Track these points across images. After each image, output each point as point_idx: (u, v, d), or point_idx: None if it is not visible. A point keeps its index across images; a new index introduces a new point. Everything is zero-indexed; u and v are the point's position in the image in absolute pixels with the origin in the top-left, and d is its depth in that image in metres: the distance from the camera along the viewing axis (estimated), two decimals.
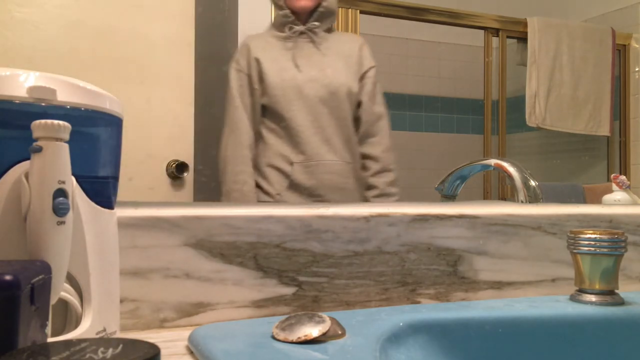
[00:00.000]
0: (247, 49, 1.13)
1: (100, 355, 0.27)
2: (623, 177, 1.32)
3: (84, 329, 0.41)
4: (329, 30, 1.20)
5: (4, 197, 0.38)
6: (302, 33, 1.16)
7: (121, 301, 0.54)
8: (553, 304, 0.64)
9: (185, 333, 0.53)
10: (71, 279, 0.41)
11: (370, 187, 1.17)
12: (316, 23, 1.17)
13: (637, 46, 1.91)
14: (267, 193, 1.08)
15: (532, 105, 1.76)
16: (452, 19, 1.60)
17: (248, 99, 1.11)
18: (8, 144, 0.40)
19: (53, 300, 0.38)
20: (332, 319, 0.51)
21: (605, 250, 0.63)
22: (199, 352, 0.48)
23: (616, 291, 0.65)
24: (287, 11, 1.16)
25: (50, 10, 0.96)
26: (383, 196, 1.16)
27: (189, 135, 1.03)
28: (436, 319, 0.57)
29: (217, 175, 1.08)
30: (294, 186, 1.07)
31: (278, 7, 1.17)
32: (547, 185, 1.47)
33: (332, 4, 1.19)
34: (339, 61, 1.19)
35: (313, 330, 0.48)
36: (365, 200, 1.13)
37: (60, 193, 0.38)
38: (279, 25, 1.16)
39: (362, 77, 1.19)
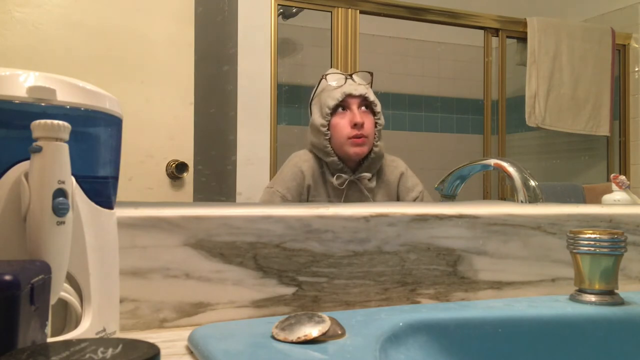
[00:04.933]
0: (302, 177, 1.12)
1: (100, 355, 0.27)
2: (623, 177, 1.32)
3: (83, 329, 0.41)
4: (377, 171, 1.18)
5: (3, 197, 0.38)
6: (351, 182, 1.14)
7: (121, 301, 0.54)
8: (553, 304, 0.64)
9: (185, 333, 0.53)
10: (71, 279, 0.41)
11: None
12: (366, 174, 1.15)
13: (637, 46, 1.91)
14: None
15: (532, 105, 1.76)
16: (452, 19, 1.60)
17: None
18: (8, 144, 0.40)
19: (53, 300, 0.38)
20: (332, 319, 0.51)
21: (605, 250, 0.63)
22: (198, 352, 0.48)
23: (616, 291, 0.65)
24: (335, 158, 1.14)
25: (50, 10, 0.96)
26: None
27: (188, 135, 1.03)
28: (436, 319, 0.57)
29: (216, 175, 1.08)
30: None
31: (325, 154, 1.14)
32: (547, 185, 1.47)
33: (381, 148, 1.17)
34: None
35: (313, 330, 0.48)
36: None
37: (60, 193, 0.38)
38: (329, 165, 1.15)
39: None
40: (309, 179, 1.12)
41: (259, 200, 1.09)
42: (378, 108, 1.17)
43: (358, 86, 1.17)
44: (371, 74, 1.21)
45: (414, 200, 1.18)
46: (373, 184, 1.16)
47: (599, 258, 0.63)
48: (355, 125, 1.13)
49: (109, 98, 0.44)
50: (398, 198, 1.18)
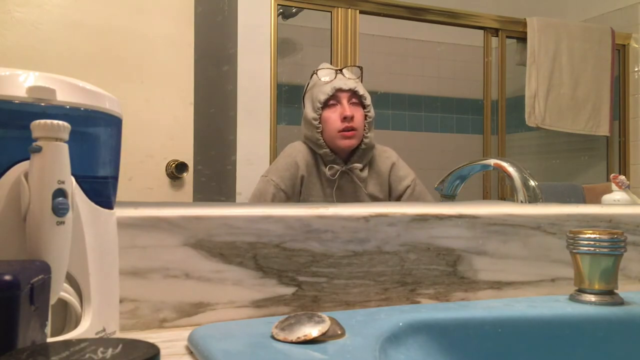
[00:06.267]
0: (296, 168, 1.15)
1: (100, 355, 0.27)
2: (622, 177, 1.32)
3: (83, 329, 0.41)
4: (368, 162, 1.21)
5: (3, 197, 0.38)
6: (343, 172, 1.17)
7: (121, 301, 0.54)
8: (552, 304, 0.64)
9: (185, 333, 0.53)
10: (71, 279, 0.41)
11: None
12: (357, 165, 1.18)
13: (637, 46, 1.91)
14: None
15: (532, 105, 1.76)
16: (451, 19, 1.60)
17: None
18: (7, 144, 0.40)
19: (52, 300, 0.38)
20: (332, 319, 0.51)
21: (604, 250, 0.63)
22: (198, 352, 0.48)
23: (616, 291, 0.65)
24: (327, 150, 1.18)
25: (50, 10, 0.97)
26: None
27: (188, 135, 1.04)
28: (436, 319, 0.57)
29: (216, 175, 1.09)
30: None
31: (318, 146, 1.18)
32: (546, 185, 1.47)
33: (372, 139, 1.21)
34: (374, 194, 1.21)
35: (313, 330, 0.48)
36: None
37: (60, 193, 0.38)
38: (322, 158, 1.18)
39: (399, 197, 1.21)
40: (303, 169, 1.15)
41: (254, 189, 1.11)
42: (368, 101, 1.21)
43: (348, 80, 1.20)
44: (361, 68, 1.25)
45: (407, 188, 1.20)
46: (365, 173, 1.20)
47: (599, 258, 0.63)
48: (345, 119, 1.17)
49: (109, 98, 0.44)
50: (390, 187, 1.21)
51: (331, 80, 1.20)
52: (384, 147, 1.25)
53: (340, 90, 1.18)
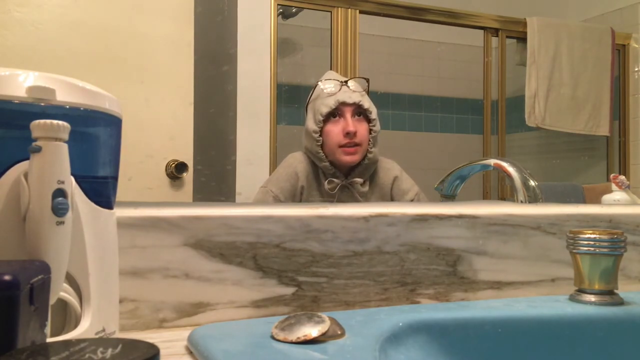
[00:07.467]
0: (296, 178, 1.12)
1: (100, 355, 0.27)
2: (622, 177, 1.32)
3: (83, 329, 0.41)
4: (370, 175, 1.18)
5: (3, 197, 0.38)
6: (343, 186, 1.14)
7: (120, 301, 0.54)
8: (552, 304, 0.64)
9: (185, 333, 0.53)
10: (70, 279, 0.41)
11: None
12: (358, 179, 1.14)
13: (637, 46, 1.91)
14: None
15: (532, 105, 1.76)
16: (451, 19, 1.60)
17: None
18: (7, 144, 0.40)
19: (52, 300, 0.38)
20: (332, 319, 0.51)
21: (604, 250, 0.63)
22: (198, 352, 0.48)
23: (616, 291, 0.65)
24: (327, 164, 1.14)
25: (50, 10, 0.97)
26: None
27: (188, 135, 1.04)
28: (435, 319, 0.57)
29: (215, 175, 1.08)
30: None
31: (318, 159, 1.14)
32: (546, 185, 1.47)
33: (376, 154, 1.17)
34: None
35: (312, 331, 0.48)
36: None
37: (60, 193, 0.38)
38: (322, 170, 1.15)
39: None
40: (303, 180, 1.13)
41: (252, 200, 1.09)
42: (373, 115, 1.16)
43: (352, 93, 1.16)
44: (367, 80, 1.21)
45: (410, 202, 1.18)
46: (366, 188, 1.16)
47: (599, 258, 0.63)
48: (347, 134, 1.13)
49: (109, 98, 0.44)
50: (392, 201, 1.18)
51: (335, 93, 1.15)
52: (387, 159, 1.21)
53: (344, 103, 1.14)
